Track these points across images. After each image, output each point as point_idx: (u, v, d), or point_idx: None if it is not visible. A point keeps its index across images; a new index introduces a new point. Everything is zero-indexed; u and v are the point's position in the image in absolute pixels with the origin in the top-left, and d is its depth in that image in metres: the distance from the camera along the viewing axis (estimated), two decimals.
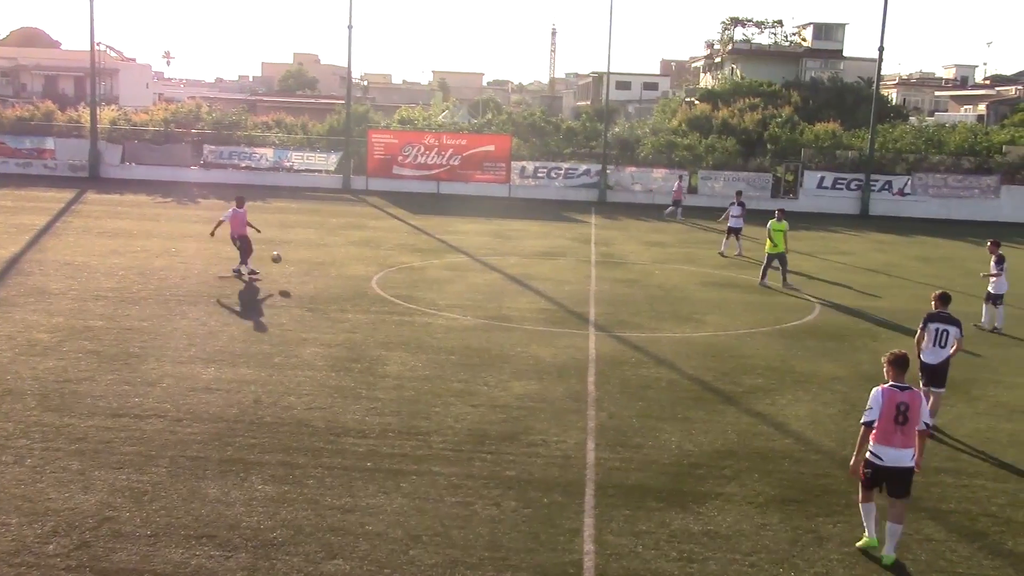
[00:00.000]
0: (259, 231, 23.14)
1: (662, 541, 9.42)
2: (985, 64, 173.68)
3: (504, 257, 27.06)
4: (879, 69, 46.65)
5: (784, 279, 23.89)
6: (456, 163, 45.08)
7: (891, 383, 9.25)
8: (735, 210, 29.68)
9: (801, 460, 11.81)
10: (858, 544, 9.50)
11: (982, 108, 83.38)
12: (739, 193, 32.20)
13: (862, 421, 9.27)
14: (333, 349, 16.03)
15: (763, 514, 10.17)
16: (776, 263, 23.93)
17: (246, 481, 10.37)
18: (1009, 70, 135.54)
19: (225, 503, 9.80)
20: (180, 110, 50.46)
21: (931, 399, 13.17)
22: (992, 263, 20.13)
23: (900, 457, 9.08)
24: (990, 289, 20.01)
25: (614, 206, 42.33)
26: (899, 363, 9.29)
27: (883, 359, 9.51)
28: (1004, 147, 45.30)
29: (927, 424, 9.31)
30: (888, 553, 9.18)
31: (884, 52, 43.65)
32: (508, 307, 20.10)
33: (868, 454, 9.20)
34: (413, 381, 14.37)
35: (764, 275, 24.18)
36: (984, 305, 20.26)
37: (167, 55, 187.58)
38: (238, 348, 15.82)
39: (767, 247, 24.12)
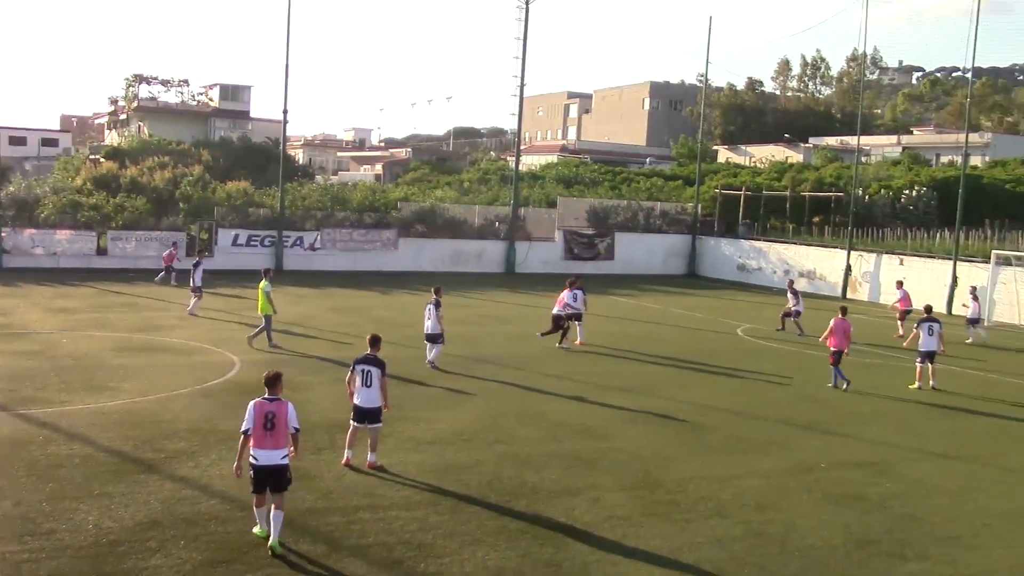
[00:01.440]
0: None
1: None
2: (379, 128, 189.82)
3: None
4: (284, 131, 48.77)
5: (267, 336, 24.03)
6: None
7: (263, 397, 11.11)
8: (199, 271, 29.36)
9: (227, 519, 11.74)
10: (255, 530, 11.08)
11: (379, 168, 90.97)
12: (201, 252, 31.59)
13: (241, 430, 11.06)
14: None
15: None
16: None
17: None
18: (399, 134, 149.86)
19: None
20: None
21: (371, 435, 14.14)
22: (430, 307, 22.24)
23: (272, 456, 10.89)
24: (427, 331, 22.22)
25: (12, 272, 38.49)
26: (267, 381, 11.26)
27: None
28: (399, 203, 49.80)
29: (295, 428, 11.12)
30: (274, 539, 10.77)
31: (289, 114, 45.79)
32: None
33: (250, 458, 10.91)
34: None
35: (268, 336, 24.06)
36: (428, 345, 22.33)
37: None
38: None
39: (260, 308, 24.18)
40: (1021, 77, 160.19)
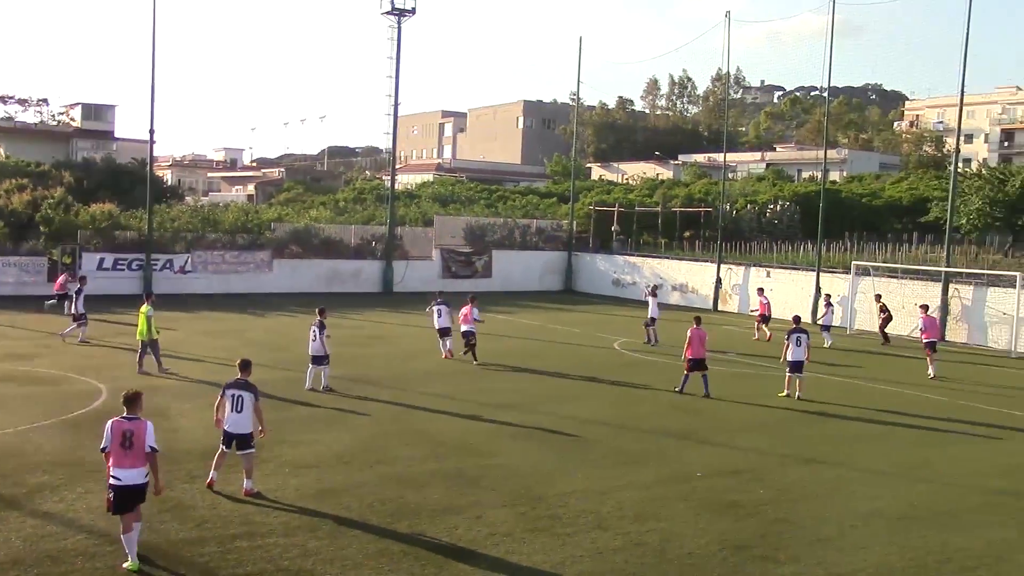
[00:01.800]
0: None
1: None
2: (251, 148, 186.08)
3: None
4: (151, 151, 47.20)
5: (137, 361, 23.41)
6: None
7: (122, 416, 11.09)
8: (81, 298, 28.22)
9: (95, 555, 11.26)
10: (125, 565, 10.74)
11: (251, 188, 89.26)
12: (83, 279, 30.39)
13: (99, 448, 11.10)
14: None
15: None
16: (149, 349, 23.42)
17: None
18: (272, 153, 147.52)
19: None
20: None
21: (244, 462, 13.85)
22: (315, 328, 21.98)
23: (134, 476, 10.93)
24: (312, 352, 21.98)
25: None
26: (125, 400, 11.21)
27: None
28: (273, 224, 48.91)
29: (152, 447, 11.01)
30: (133, 560, 10.81)
31: (156, 134, 44.49)
32: None
33: (110, 478, 10.90)
34: None
35: (140, 363, 23.42)
36: (311, 367, 22.04)
37: None
38: None
39: (139, 333, 23.49)
40: (873, 96, 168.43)
